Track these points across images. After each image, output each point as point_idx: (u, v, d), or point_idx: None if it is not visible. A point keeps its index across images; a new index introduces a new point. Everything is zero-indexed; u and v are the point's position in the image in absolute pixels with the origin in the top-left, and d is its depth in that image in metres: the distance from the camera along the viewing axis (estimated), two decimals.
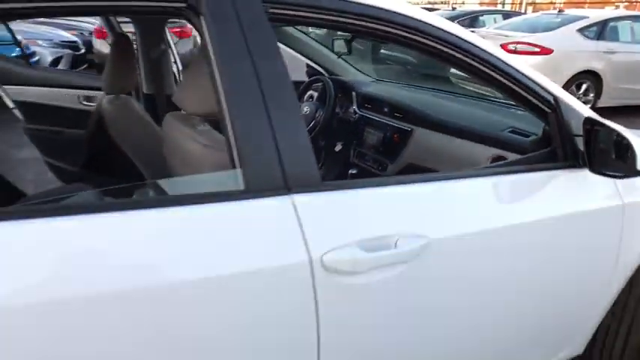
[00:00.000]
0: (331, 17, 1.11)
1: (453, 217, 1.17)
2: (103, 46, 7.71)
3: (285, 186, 0.96)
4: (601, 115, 1.55)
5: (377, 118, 2.30)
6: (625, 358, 1.81)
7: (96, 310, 0.81)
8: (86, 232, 0.84)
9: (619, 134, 1.32)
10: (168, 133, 1.44)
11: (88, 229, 0.84)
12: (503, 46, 6.45)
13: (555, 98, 1.38)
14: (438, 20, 1.23)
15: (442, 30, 1.22)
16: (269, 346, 0.97)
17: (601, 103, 6.65)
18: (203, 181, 1.12)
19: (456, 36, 1.23)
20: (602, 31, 6.65)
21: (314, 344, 0.99)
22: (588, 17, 6.81)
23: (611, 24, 6.77)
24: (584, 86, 6.62)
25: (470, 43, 1.25)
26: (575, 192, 1.41)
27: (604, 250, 1.51)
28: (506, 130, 1.79)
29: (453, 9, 11.15)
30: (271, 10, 1.03)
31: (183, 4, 0.98)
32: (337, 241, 0.98)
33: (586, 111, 1.42)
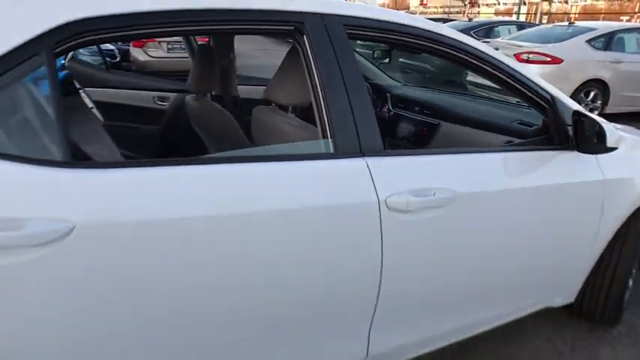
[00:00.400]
0: (382, 35, 1.60)
1: (472, 178, 1.63)
2: (139, 54, 8.32)
3: (361, 151, 1.43)
4: (610, 121, 1.99)
5: (408, 115, 2.77)
6: (607, 308, 2.24)
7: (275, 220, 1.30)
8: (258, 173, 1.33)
9: (599, 124, 1.76)
10: (260, 121, 1.93)
11: (259, 171, 1.32)
12: (517, 56, 6.88)
13: (552, 96, 1.83)
14: (468, 39, 1.70)
15: (471, 46, 1.69)
16: (352, 256, 1.43)
17: (608, 110, 7.00)
18: (302, 148, 1.59)
19: (481, 51, 1.70)
20: (609, 42, 7.04)
21: (378, 257, 1.45)
22: (597, 29, 7.20)
23: (618, 35, 7.14)
24: (592, 93, 6.99)
25: (491, 56, 1.72)
26: (567, 168, 1.85)
27: (590, 214, 1.95)
28: (515, 122, 2.25)
29: (469, 20, 11.55)
30: (348, 31, 1.51)
31: (292, 28, 1.45)
32: (395, 189, 1.44)
33: (575, 105, 1.87)
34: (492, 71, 1.74)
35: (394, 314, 1.60)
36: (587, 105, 6.96)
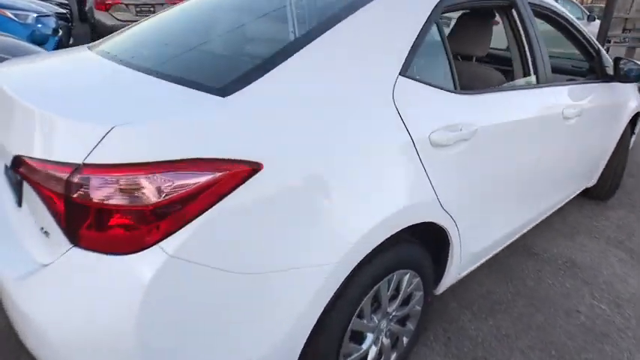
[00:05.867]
0: (537, 9, 2.56)
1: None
2: (107, 18, 8.21)
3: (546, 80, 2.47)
4: None
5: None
6: (610, 188, 3.62)
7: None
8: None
9: (635, 62, 2.99)
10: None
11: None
12: None
13: (597, 49, 3.03)
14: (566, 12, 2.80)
15: (567, 16, 2.77)
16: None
17: None
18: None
19: (569, 19, 2.77)
20: None
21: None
22: None
23: None
24: None
25: (573, 21, 2.81)
26: (608, 92, 3.05)
27: (614, 125, 3.20)
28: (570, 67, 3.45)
29: None
30: (532, 7, 2.49)
31: (507, 3, 2.40)
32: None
33: (609, 57, 3.08)
34: (571, 30, 2.82)
35: None
36: None
